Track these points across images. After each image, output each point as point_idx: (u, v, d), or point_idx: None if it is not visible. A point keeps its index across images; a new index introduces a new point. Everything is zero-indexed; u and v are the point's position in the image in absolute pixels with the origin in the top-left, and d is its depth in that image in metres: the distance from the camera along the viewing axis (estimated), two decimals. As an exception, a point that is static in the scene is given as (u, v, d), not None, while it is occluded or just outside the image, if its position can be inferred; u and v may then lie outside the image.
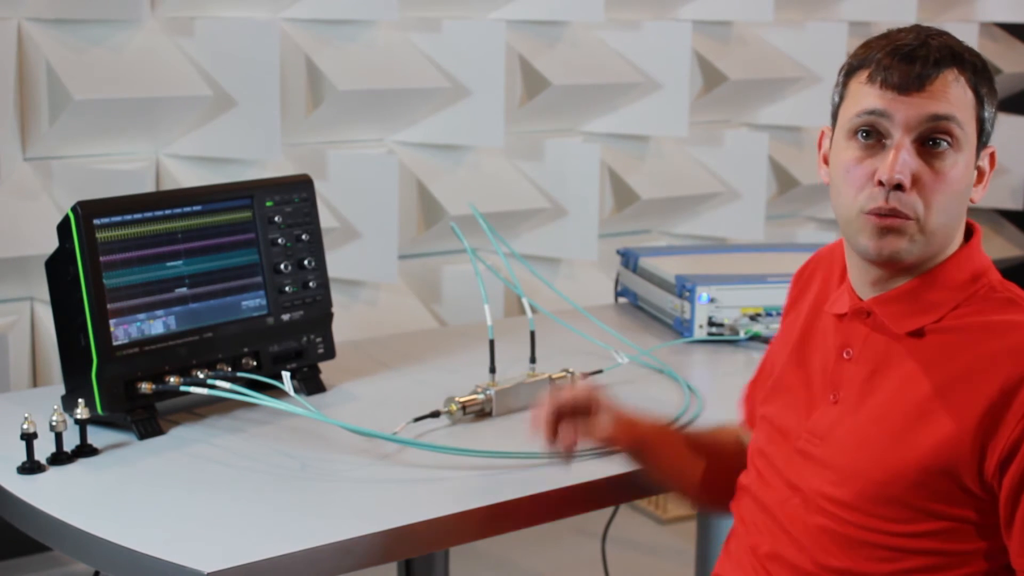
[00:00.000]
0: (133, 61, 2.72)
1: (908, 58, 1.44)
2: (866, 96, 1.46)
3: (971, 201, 1.51)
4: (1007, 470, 1.41)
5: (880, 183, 1.44)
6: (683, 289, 2.46)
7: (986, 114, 1.48)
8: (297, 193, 2.12)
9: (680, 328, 2.48)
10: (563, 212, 3.36)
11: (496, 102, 3.11)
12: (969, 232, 1.54)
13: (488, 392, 2.03)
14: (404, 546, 1.65)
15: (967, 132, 1.46)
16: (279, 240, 2.10)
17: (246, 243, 2.07)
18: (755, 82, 3.63)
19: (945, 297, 1.50)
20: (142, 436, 1.90)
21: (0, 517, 1.76)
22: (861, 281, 1.55)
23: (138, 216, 1.93)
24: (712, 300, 2.43)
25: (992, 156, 1.53)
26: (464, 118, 3.15)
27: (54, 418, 1.78)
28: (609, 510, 2.53)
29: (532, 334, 2.15)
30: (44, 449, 1.79)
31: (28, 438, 1.76)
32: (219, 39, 2.81)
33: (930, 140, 1.45)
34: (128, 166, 2.77)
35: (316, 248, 2.15)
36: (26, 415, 1.76)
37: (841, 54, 3.67)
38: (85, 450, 1.83)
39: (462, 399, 2.01)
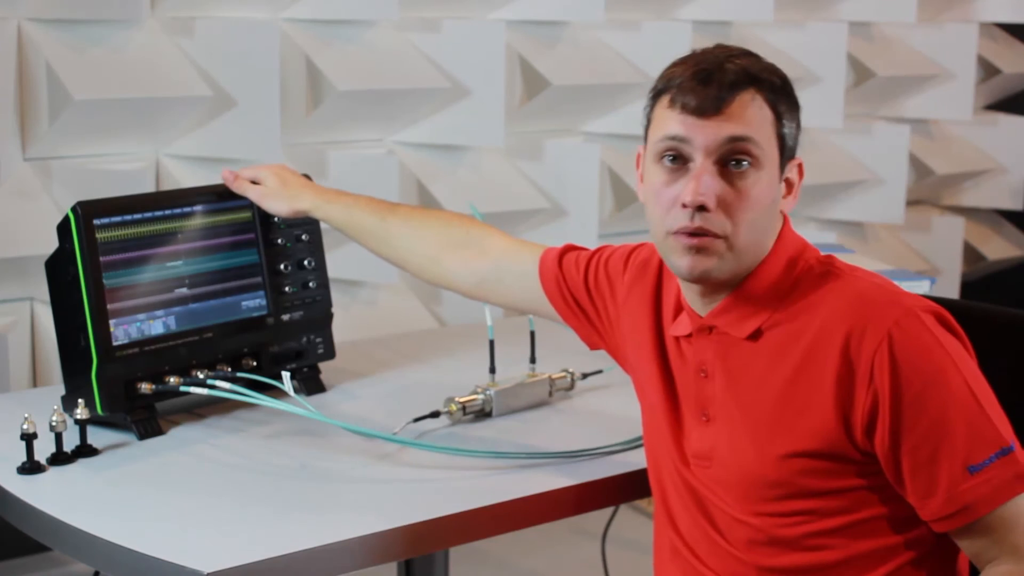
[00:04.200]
0: (133, 61, 2.72)
1: (705, 82, 1.47)
2: (668, 121, 1.50)
3: (782, 213, 1.54)
4: (874, 436, 1.44)
5: (684, 206, 1.47)
6: (683, 289, 2.45)
7: (786, 130, 1.52)
8: (297, 193, 2.12)
9: (680, 328, 2.47)
10: (563, 212, 3.36)
11: (496, 102, 3.11)
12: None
13: (488, 392, 2.03)
14: (404, 546, 1.65)
15: (766, 150, 1.49)
16: (279, 240, 2.10)
17: (246, 243, 2.07)
18: (755, 82, 3.62)
19: (771, 292, 1.52)
20: (142, 436, 1.90)
21: (0, 517, 1.76)
22: (694, 298, 1.57)
23: (138, 216, 1.93)
24: (712, 300, 2.42)
25: (800, 167, 1.56)
26: (464, 118, 3.14)
27: (54, 418, 1.78)
28: (609, 510, 2.53)
29: (532, 334, 2.15)
30: (44, 449, 1.79)
31: (28, 438, 1.76)
32: (219, 39, 2.81)
33: (732, 160, 1.47)
34: (128, 166, 2.77)
35: (316, 248, 2.15)
36: (26, 415, 1.76)
37: (841, 54, 3.66)
38: (85, 450, 1.83)
39: (462, 399, 2.01)
